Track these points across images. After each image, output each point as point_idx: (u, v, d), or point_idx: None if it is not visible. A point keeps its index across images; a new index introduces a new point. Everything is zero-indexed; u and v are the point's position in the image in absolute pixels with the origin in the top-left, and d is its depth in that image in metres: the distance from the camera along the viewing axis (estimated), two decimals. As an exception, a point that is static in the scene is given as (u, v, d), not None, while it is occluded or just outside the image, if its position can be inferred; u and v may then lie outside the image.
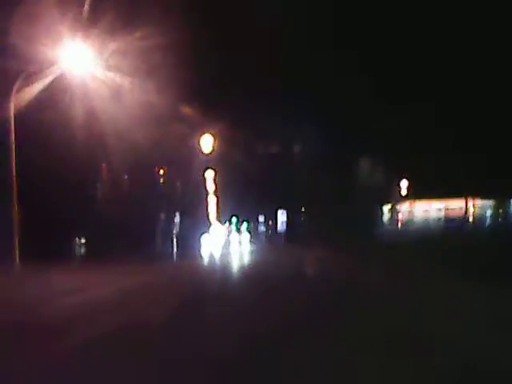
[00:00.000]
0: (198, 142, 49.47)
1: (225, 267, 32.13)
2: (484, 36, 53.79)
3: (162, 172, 52.51)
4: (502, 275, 15.85)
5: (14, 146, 24.65)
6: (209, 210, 76.45)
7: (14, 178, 24.84)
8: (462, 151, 65.25)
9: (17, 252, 24.76)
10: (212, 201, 77.02)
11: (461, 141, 61.82)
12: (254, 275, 25.31)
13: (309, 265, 26.06)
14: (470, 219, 74.85)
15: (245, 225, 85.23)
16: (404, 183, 75.11)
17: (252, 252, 45.80)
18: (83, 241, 43.50)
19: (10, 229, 25.25)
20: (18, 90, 24.22)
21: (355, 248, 36.85)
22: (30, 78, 24.18)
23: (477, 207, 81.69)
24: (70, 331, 10.62)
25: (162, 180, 51.51)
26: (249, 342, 9.75)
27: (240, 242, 63.76)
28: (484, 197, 78.67)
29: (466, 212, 76.54)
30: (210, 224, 70.83)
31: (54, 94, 26.11)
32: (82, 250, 41.36)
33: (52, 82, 24.68)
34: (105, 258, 34.96)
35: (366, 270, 22.34)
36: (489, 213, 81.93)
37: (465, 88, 57.34)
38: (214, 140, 49.58)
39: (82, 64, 24.85)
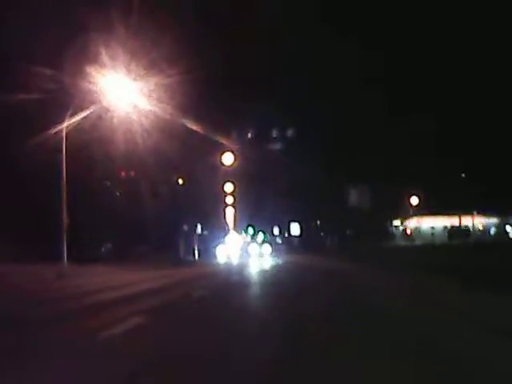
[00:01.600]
0: (220, 157, 52.49)
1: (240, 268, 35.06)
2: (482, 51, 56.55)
3: (181, 183, 56.53)
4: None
5: (64, 163, 28.66)
6: (227, 221, 78.86)
7: (65, 188, 28.75)
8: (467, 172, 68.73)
9: (65, 255, 28.34)
10: (230, 212, 79.35)
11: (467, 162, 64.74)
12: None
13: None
14: (474, 235, 76.41)
15: (261, 236, 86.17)
16: (414, 200, 77.17)
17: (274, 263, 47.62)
18: (110, 246, 47.16)
19: (58, 234, 28.98)
20: (70, 118, 28.18)
21: (363, 258, 39.34)
22: (79, 109, 28.14)
23: (481, 224, 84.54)
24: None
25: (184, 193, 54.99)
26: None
27: (261, 254, 64.72)
28: (489, 214, 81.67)
29: (471, 229, 78.81)
30: (228, 234, 73.09)
31: (98, 120, 30.09)
32: (111, 254, 44.40)
33: (95, 112, 28.66)
34: (134, 262, 38.91)
35: (367, 274, 25.74)
36: (493, 230, 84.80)
37: (469, 111, 60.02)
38: (234, 156, 52.38)
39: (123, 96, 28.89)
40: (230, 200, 74.01)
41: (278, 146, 72.78)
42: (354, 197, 52.02)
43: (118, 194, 48.42)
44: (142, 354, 7.40)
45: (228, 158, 52.18)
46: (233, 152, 51.96)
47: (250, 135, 64.93)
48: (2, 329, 10.19)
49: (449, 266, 23.66)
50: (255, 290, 20.28)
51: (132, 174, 48.42)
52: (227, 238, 69.85)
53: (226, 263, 46.98)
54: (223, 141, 49.79)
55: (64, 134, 28.27)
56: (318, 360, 6.72)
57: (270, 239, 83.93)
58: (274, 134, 71.63)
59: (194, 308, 13.85)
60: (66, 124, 28.19)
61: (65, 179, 28.71)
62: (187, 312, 12.87)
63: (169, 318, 11.77)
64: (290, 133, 71.42)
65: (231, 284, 23.54)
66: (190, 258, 55.72)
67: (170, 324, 10.84)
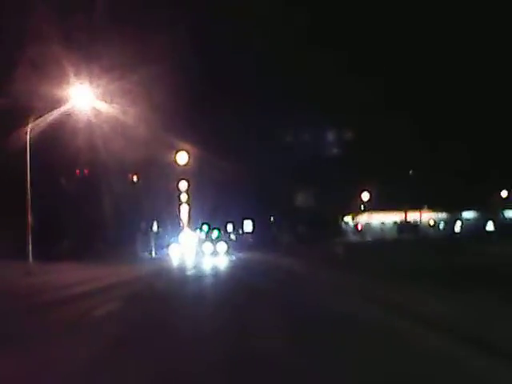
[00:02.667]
0: (175, 156, 53.26)
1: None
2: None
3: (136, 180, 57.73)
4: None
5: (28, 166, 29.80)
6: (181, 218, 79.74)
7: (29, 191, 29.82)
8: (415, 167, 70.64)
9: (30, 253, 29.43)
10: (184, 210, 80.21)
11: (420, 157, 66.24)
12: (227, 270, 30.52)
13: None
14: (423, 231, 78.39)
15: (216, 233, 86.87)
16: (365, 195, 79.08)
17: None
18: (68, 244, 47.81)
19: (24, 234, 30.09)
20: (33, 124, 29.45)
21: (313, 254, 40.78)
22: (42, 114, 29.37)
23: (432, 219, 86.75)
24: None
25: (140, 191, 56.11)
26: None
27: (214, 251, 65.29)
28: (438, 209, 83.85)
29: (420, 224, 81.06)
30: (182, 232, 73.76)
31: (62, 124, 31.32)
32: (70, 252, 45.12)
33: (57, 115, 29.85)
34: (95, 259, 40.06)
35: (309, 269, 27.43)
36: (442, 225, 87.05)
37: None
38: (189, 155, 53.17)
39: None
40: (184, 198, 75.08)
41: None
42: (300, 197, 53.36)
43: (73, 191, 49.08)
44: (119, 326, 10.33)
45: (182, 158, 52.98)
46: (187, 152, 52.85)
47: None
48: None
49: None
50: (206, 282, 22.96)
51: (86, 172, 49.23)
52: (181, 236, 70.67)
53: (179, 260, 48.06)
54: (179, 141, 51.04)
55: (28, 137, 29.39)
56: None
57: (224, 236, 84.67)
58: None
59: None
60: (29, 127, 29.34)
61: (29, 181, 29.79)
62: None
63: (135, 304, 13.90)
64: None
65: (187, 277, 26.47)
66: (147, 255, 56.97)
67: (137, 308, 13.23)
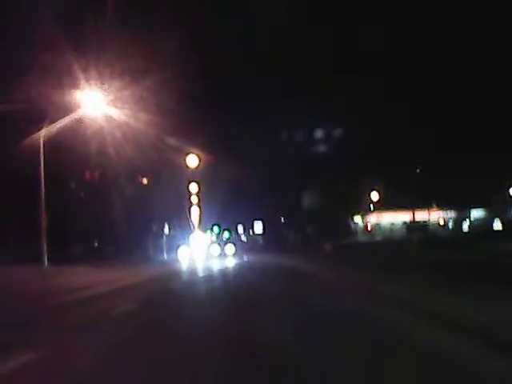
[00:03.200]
0: (185, 159, 53.62)
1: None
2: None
3: (146, 182, 58.35)
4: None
5: (43, 169, 30.44)
6: (192, 220, 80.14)
7: (43, 193, 30.36)
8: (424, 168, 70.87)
9: (46, 256, 29.91)
10: (195, 212, 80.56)
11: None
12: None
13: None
14: (433, 230, 78.62)
15: (226, 234, 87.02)
16: (374, 195, 78.71)
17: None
18: (81, 247, 48.47)
19: (37, 238, 30.62)
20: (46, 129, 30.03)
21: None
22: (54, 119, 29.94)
23: (442, 218, 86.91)
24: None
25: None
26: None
27: (224, 253, 65.43)
28: (447, 208, 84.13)
29: (429, 223, 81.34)
30: (192, 234, 74.06)
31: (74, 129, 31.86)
32: (83, 255, 45.63)
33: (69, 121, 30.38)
34: (106, 262, 40.62)
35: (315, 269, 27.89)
36: (451, 224, 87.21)
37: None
38: (199, 158, 53.51)
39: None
40: (194, 200, 75.52)
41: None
42: (306, 200, 53.59)
43: (82, 194, 49.80)
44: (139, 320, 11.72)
45: (192, 160, 53.28)
46: (197, 155, 53.20)
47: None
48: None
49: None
50: (216, 283, 23.69)
51: (96, 175, 49.81)
52: (192, 238, 71.09)
53: (190, 262, 48.63)
54: (189, 145, 51.51)
55: (41, 142, 29.98)
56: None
57: (234, 238, 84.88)
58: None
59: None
60: (43, 133, 29.92)
61: (43, 184, 30.33)
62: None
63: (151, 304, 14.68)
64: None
65: (198, 279, 27.10)
66: (160, 257, 57.56)
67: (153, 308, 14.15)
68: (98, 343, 9.07)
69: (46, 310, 14.47)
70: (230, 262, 44.91)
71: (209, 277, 28.35)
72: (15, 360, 7.62)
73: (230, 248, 67.90)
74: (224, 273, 31.73)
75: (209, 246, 72.35)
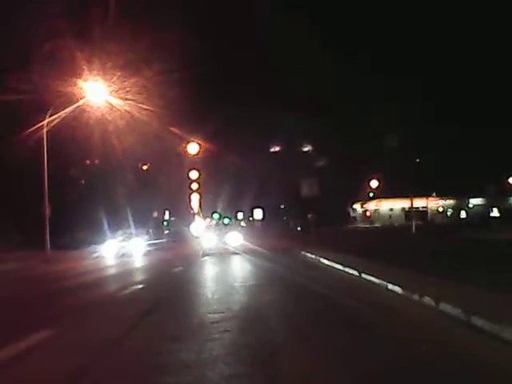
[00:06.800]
0: (186, 147, 54.00)
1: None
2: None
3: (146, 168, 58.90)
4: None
5: (46, 159, 31.19)
6: (192, 207, 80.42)
7: (46, 183, 31.21)
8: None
9: (48, 242, 30.83)
10: (195, 199, 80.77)
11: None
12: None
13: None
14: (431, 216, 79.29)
15: (226, 221, 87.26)
16: (374, 183, 78.78)
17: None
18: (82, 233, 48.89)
19: (39, 223, 31.43)
20: (49, 118, 30.67)
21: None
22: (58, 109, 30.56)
23: (441, 206, 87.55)
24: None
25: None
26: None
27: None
28: (446, 197, 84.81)
29: (428, 210, 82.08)
30: (193, 220, 74.40)
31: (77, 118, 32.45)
32: (84, 240, 46.17)
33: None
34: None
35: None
36: (450, 211, 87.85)
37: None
38: (199, 145, 53.90)
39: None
40: (195, 186, 75.87)
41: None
42: (304, 188, 54.26)
43: (82, 182, 50.65)
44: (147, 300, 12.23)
45: (193, 148, 53.59)
46: (198, 143, 53.55)
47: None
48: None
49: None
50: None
51: (96, 161, 50.51)
52: (192, 224, 71.37)
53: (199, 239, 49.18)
54: (190, 133, 51.96)
55: (45, 131, 30.60)
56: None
57: (234, 223, 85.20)
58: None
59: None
60: (46, 121, 30.53)
61: (46, 173, 31.06)
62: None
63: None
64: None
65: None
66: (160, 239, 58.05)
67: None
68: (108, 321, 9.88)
69: (54, 292, 15.10)
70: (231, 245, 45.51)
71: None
72: (30, 338, 8.12)
73: (231, 233, 68.31)
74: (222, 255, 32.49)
75: (210, 231, 72.66)
